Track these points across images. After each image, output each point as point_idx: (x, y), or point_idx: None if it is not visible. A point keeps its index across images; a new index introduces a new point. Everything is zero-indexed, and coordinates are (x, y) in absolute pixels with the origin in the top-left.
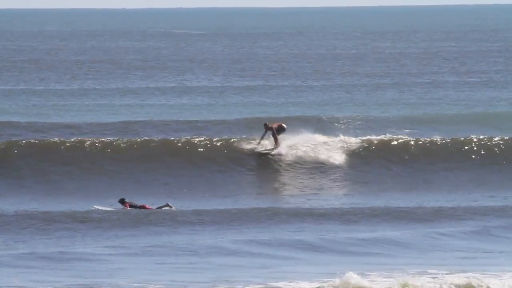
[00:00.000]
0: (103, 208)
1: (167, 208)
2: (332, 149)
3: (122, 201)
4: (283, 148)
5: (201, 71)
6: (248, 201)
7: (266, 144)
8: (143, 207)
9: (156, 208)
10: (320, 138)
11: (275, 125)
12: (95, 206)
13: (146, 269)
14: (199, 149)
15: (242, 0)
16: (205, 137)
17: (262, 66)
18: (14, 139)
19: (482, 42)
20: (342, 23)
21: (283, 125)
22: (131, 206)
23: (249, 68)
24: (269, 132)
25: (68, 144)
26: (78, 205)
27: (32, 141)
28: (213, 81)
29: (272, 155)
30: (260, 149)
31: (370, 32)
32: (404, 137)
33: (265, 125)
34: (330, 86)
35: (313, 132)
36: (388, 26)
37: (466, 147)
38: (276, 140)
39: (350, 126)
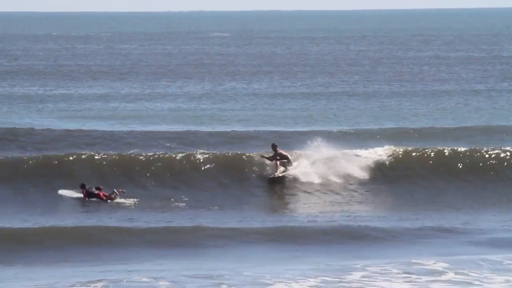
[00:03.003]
0: (68, 194)
1: (121, 198)
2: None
3: (82, 186)
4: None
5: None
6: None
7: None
8: (98, 195)
9: (107, 198)
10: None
11: (284, 153)
12: (60, 192)
13: None
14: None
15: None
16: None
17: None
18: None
19: None
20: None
21: (290, 157)
22: (88, 193)
23: None
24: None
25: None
26: None
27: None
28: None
29: (276, 176)
30: (276, 173)
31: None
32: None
33: (273, 146)
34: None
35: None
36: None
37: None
38: (277, 164)
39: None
